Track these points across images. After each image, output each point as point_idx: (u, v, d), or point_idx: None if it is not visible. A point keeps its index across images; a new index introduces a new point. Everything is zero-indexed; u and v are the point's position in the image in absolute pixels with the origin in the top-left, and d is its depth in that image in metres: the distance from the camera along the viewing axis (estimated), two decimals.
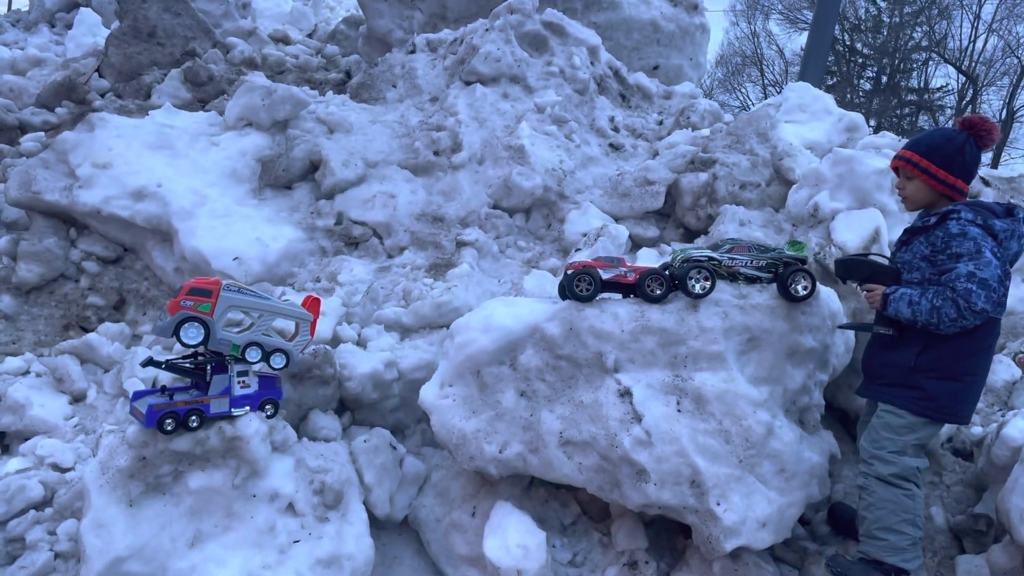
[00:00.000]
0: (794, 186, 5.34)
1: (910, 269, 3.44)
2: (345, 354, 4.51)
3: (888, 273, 3.48)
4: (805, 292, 3.68)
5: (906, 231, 3.62)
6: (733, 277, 3.79)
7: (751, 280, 3.80)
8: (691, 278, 3.65)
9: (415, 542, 4.46)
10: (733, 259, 3.77)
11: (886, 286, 3.43)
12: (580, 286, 3.78)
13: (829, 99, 6.41)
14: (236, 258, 5.23)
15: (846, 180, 4.90)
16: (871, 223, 4.66)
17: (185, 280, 5.37)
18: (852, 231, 4.67)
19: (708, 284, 3.66)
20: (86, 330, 5.30)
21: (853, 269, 3.59)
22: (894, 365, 3.45)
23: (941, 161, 3.40)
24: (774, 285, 3.78)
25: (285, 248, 5.46)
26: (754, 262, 3.77)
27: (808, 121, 6.22)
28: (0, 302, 5.23)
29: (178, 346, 4.77)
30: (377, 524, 4.22)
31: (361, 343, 4.79)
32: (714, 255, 3.76)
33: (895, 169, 3.64)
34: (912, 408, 3.39)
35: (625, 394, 3.72)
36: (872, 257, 3.55)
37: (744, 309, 3.74)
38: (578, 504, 4.39)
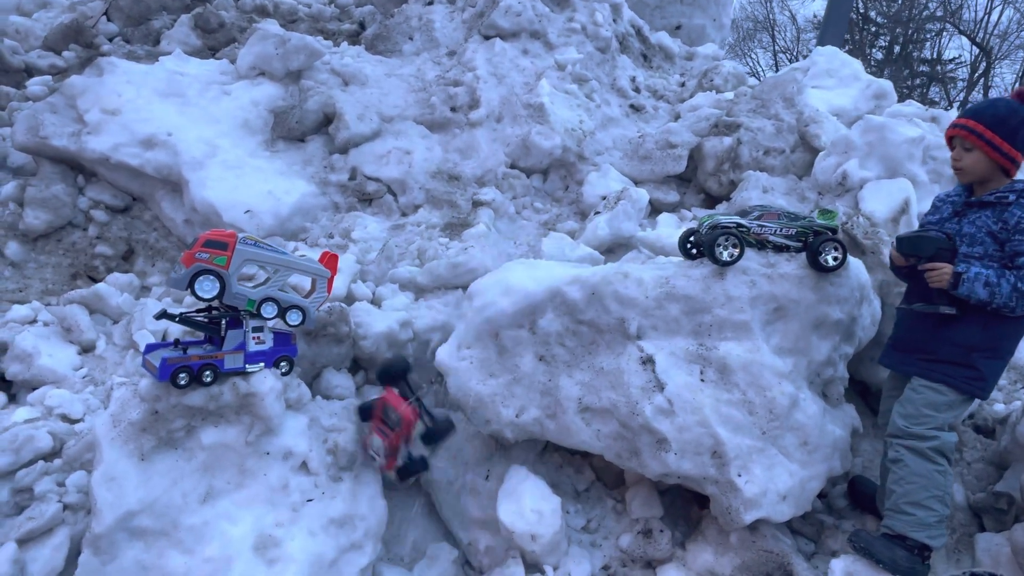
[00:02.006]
0: (821, 153, 5.21)
1: (972, 243, 3.33)
2: (360, 313, 4.42)
3: (950, 249, 3.37)
4: (836, 263, 3.58)
5: (963, 203, 3.50)
6: (761, 245, 3.69)
7: (779, 248, 3.70)
8: (719, 245, 3.55)
9: (427, 504, 4.42)
10: (762, 226, 3.67)
11: (947, 263, 3.32)
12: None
13: (857, 64, 6.24)
14: (248, 211, 5.11)
15: (876, 148, 4.77)
16: (901, 194, 4.54)
17: (195, 232, 5.28)
18: (881, 201, 4.55)
19: (736, 251, 3.56)
20: (94, 280, 5.21)
21: (920, 246, 3.43)
22: (951, 343, 3.36)
23: (1006, 133, 3.28)
24: (803, 254, 3.68)
25: (298, 202, 5.34)
26: (783, 230, 3.67)
27: (835, 87, 6.06)
28: (7, 249, 5.13)
29: (190, 299, 4.69)
30: (389, 485, 4.17)
31: (376, 302, 4.70)
32: (743, 222, 3.66)
33: (949, 139, 3.51)
34: (961, 387, 3.32)
35: (647, 362, 3.65)
36: (933, 234, 3.43)
37: (771, 278, 3.65)
38: (592, 470, 4.35)
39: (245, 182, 5.31)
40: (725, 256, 3.57)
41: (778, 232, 3.66)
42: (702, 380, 3.60)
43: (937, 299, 3.38)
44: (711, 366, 3.60)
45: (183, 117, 5.57)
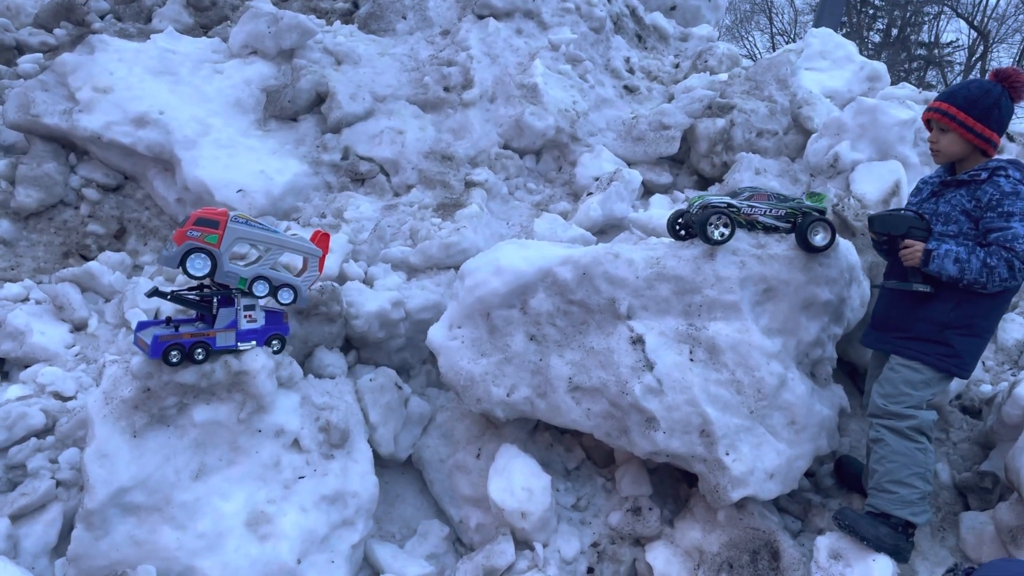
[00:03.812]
0: (814, 135, 5.22)
1: (947, 221, 3.36)
2: (352, 292, 4.44)
3: (924, 228, 3.40)
4: (824, 243, 3.60)
5: (940, 183, 3.53)
6: (751, 226, 3.70)
7: (769, 229, 3.71)
8: (710, 224, 3.56)
9: (418, 481, 4.46)
10: (752, 207, 3.68)
11: (923, 242, 3.35)
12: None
13: (851, 47, 6.23)
14: (240, 190, 5.11)
15: (868, 131, 4.78)
16: (892, 176, 4.55)
17: (187, 211, 5.28)
18: (872, 183, 4.57)
19: (727, 231, 3.58)
20: (86, 258, 5.21)
21: (891, 224, 3.48)
22: (925, 320, 3.39)
23: (978, 114, 3.30)
24: (792, 235, 3.70)
25: (290, 182, 5.34)
26: (773, 211, 3.68)
27: (829, 69, 6.06)
28: None
29: (182, 278, 4.70)
30: (381, 463, 4.20)
31: (368, 281, 4.71)
32: (733, 202, 3.67)
33: (927, 122, 3.53)
34: (937, 365, 3.35)
35: (637, 341, 3.67)
36: (905, 212, 3.46)
37: (762, 259, 3.67)
38: (583, 449, 4.38)
39: (237, 161, 5.30)
40: (716, 235, 3.58)
41: (768, 213, 3.68)
42: (691, 360, 3.62)
43: (911, 277, 3.41)
44: (700, 346, 3.62)
45: (175, 96, 5.54)
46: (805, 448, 3.68)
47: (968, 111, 3.31)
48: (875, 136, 4.74)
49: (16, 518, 3.75)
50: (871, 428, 3.50)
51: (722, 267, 3.62)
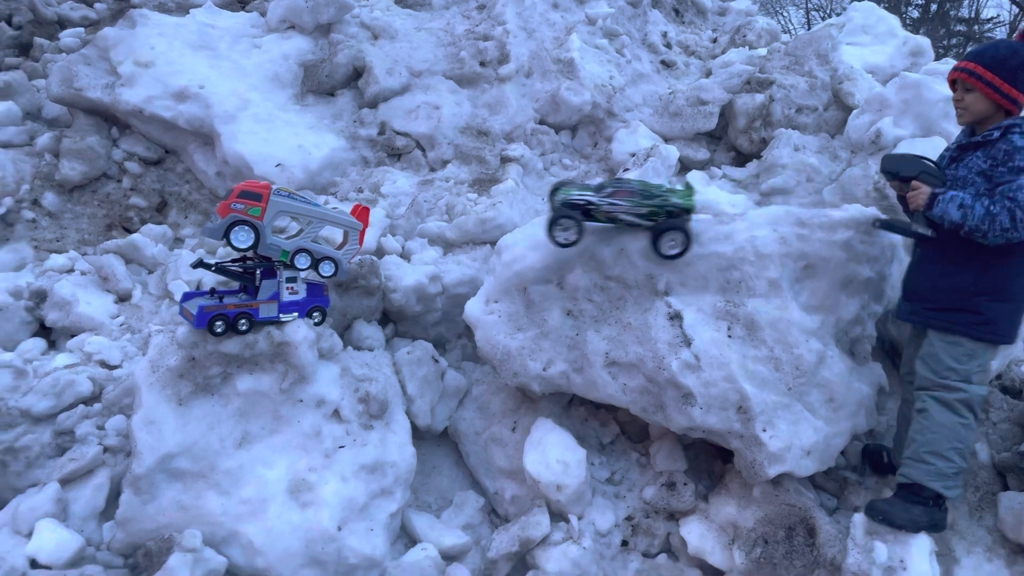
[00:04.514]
0: (855, 111, 5.15)
1: (964, 184, 3.32)
2: (390, 266, 4.48)
3: (937, 177, 3.35)
4: (674, 252, 3.60)
5: (957, 147, 3.50)
6: (613, 221, 3.66)
7: (632, 226, 3.66)
8: (557, 225, 3.60)
9: (454, 453, 4.52)
10: (613, 204, 3.61)
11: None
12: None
13: (894, 21, 6.11)
14: (278, 165, 5.16)
15: (912, 106, 4.71)
16: (935, 152, 4.48)
17: (227, 185, 5.34)
18: None
19: (574, 236, 3.63)
20: (128, 231, 5.30)
21: (902, 165, 3.44)
22: (953, 289, 3.36)
23: (1005, 75, 3.26)
24: (847, 208, 3.67)
25: (328, 157, 5.38)
26: (634, 209, 3.60)
27: (871, 44, 5.95)
28: (44, 199, 5.22)
29: (223, 251, 4.77)
30: (417, 435, 4.26)
31: (405, 255, 4.75)
32: (593, 199, 3.63)
33: (952, 82, 3.49)
34: (971, 333, 3.32)
35: (675, 317, 3.67)
36: (920, 158, 3.42)
37: (802, 236, 3.65)
38: (617, 424, 4.41)
39: (276, 136, 5.35)
40: (561, 239, 3.65)
41: (629, 211, 3.61)
42: (729, 336, 3.62)
43: (914, 220, 3.38)
44: (739, 323, 3.62)
45: (214, 70, 5.59)
46: (843, 426, 3.68)
47: (995, 71, 3.27)
48: (919, 112, 4.67)
49: (65, 482, 3.86)
50: (916, 399, 3.47)
51: (762, 244, 3.61)
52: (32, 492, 3.83)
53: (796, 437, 3.54)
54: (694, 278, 3.69)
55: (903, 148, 4.61)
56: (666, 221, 3.56)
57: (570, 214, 3.57)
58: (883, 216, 3.72)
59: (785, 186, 5.02)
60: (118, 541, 3.63)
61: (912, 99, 4.68)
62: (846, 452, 4.16)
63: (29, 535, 3.65)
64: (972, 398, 3.32)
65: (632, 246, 3.74)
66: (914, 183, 3.36)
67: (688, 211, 3.59)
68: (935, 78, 4.89)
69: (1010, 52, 3.29)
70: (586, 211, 3.61)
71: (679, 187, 3.79)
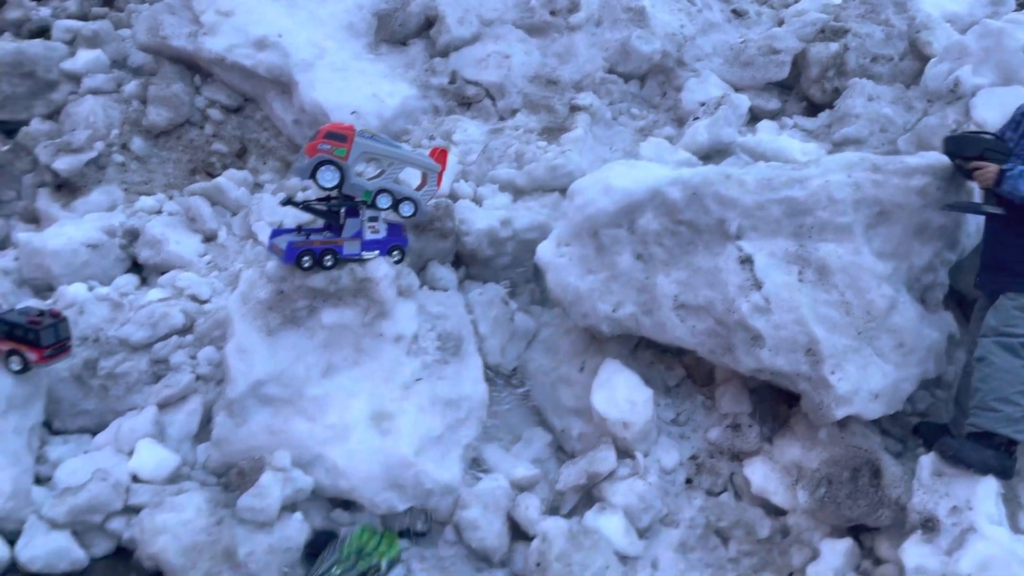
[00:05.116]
0: (933, 60, 5.06)
1: None
2: (463, 210, 4.61)
3: (1002, 151, 3.32)
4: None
5: (1021, 111, 3.45)
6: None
7: None
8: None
9: (522, 393, 4.68)
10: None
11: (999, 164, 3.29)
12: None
13: None
14: (354, 112, 5.30)
15: (992, 54, 4.61)
16: (1016, 101, 4.39)
17: (304, 132, 5.52)
18: (993, 109, 4.42)
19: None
20: (211, 175, 5.52)
21: (966, 145, 3.40)
22: None
23: None
24: (906, 158, 3.67)
25: (401, 105, 5.51)
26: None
27: None
28: (132, 144, 5.47)
29: (302, 196, 4.95)
30: (487, 374, 4.42)
31: (477, 200, 4.87)
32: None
33: None
34: None
35: (746, 261, 3.73)
36: (981, 134, 3.37)
37: (877, 182, 3.66)
38: (683, 368, 4.50)
39: (351, 84, 5.49)
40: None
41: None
42: (800, 280, 3.67)
43: (984, 200, 3.35)
44: (810, 267, 3.67)
45: (291, 19, 5.73)
46: (912, 371, 3.72)
47: None
48: (999, 60, 4.57)
49: (162, 407, 4.13)
50: (977, 348, 3.49)
51: (836, 189, 3.63)
52: (132, 415, 4.11)
53: (864, 381, 3.59)
54: (766, 223, 3.73)
55: (982, 97, 4.53)
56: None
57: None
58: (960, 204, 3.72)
59: (858, 136, 4.99)
60: (213, 460, 3.89)
61: (993, 47, 4.58)
62: (913, 399, 4.19)
63: (130, 454, 3.94)
64: None
65: (705, 190, 3.79)
66: (976, 163, 3.33)
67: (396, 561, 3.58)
68: (1017, 26, 4.77)
69: None
70: None
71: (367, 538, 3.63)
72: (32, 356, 3.74)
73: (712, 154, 5.08)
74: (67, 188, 5.33)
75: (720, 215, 3.79)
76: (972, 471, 3.36)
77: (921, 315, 3.77)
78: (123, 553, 3.76)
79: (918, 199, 3.65)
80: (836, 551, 3.70)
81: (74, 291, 4.45)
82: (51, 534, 3.61)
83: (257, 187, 5.58)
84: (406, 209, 3.92)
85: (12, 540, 3.61)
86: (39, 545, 3.58)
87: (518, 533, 4.02)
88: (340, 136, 3.66)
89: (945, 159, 3.68)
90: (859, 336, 3.60)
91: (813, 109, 5.62)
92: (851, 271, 3.61)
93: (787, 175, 3.75)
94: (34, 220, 5.40)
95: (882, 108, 5.10)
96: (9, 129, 5.82)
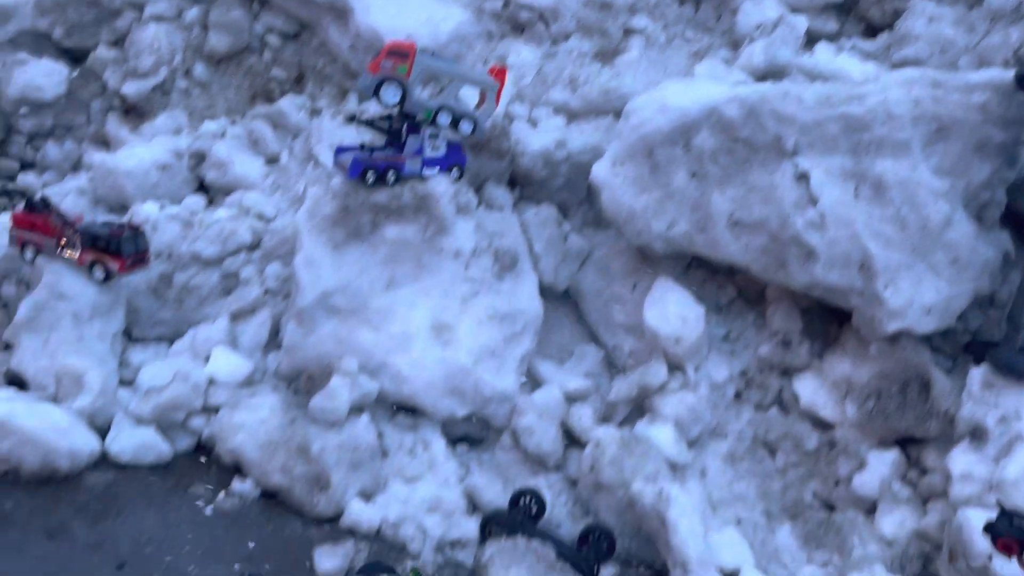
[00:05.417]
0: None
1: None
2: (518, 131, 4.68)
3: None
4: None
5: None
6: None
7: None
8: None
9: (574, 311, 4.80)
10: None
11: None
12: None
13: None
14: (408, 37, 5.34)
15: None
16: None
17: (360, 58, 5.58)
18: None
19: None
20: (270, 101, 5.64)
21: None
22: None
23: None
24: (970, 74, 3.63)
25: (455, 29, 5.51)
26: None
27: None
28: (195, 70, 5.61)
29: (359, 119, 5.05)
30: (541, 293, 4.54)
31: (531, 123, 4.93)
32: None
33: None
34: None
35: (802, 177, 3.77)
36: None
37: (937, 98, 3.64)
38: (734, 286, 4.57)
39: (405, 9, 5.51)
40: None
41: None
42: (856, 196, 3.70)
43: None
44: (866, 183, 3.69)
45: None
46: (965, 287, 3.75)
47: None
48: None
49: (234, 318, 4.36)
50: None
51: (895, 105, 3.63)
52: (206, 325, 4.35)
53: (917, 295, 3.64)
54: (823, 139, 3.75)
55: None
56: None
57: None
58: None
59: (918, 57, 4.89)
60: (283, 367, 4.12)
61: None
62: (966, 317, 4.21)
63: (206, 360, 4.18)
64: None
65: (763, 108, 3.81)
66: None
67: None
68: None
69: None
70: None
71: None
72: (114, 266, 3.96)
73: (768, 76, 5.02)
74: (135, 113, 5.52)
75: (777, 132, 3.82)
76: (1023, 382, 3.41)
77: (977, 232, 3.78)
78: (202, 449, 4.04)
79: (978, 115, 3.64)
80: (883, 461, 3.81)
81: (147, 209, 4.66)
82: (137, 429, 3.90)
83: (315, 112, 5.69)
84: (465, 127, 4.01)
85: (102, 434, 3.90)
86: (127, 439, 3.87)
87: (572, 441, 4.19)
88: (402, 53, 3.74)
89: (1008, 74, 3.65)
90: (913, 252, 3.64)
91: (872, 31, 5.50)
92: (908, 187, 3.63)
93: (846, 92, 3.75)
94: (104, 144, 5.61)
95: (943, 29, 4.98)
96: (76, 56, 6.01)
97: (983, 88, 3.66)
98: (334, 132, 5.05)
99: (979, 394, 3.50)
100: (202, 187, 5.17)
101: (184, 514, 3.73)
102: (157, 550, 3.51)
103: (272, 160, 5.19)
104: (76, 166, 5.55)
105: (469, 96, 4.51)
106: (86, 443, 3.79)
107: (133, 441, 3.86)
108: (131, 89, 5.42)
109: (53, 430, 3.72)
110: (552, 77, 5.31)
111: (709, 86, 4.26)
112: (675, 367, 4.24)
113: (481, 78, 4.02)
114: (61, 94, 5.58)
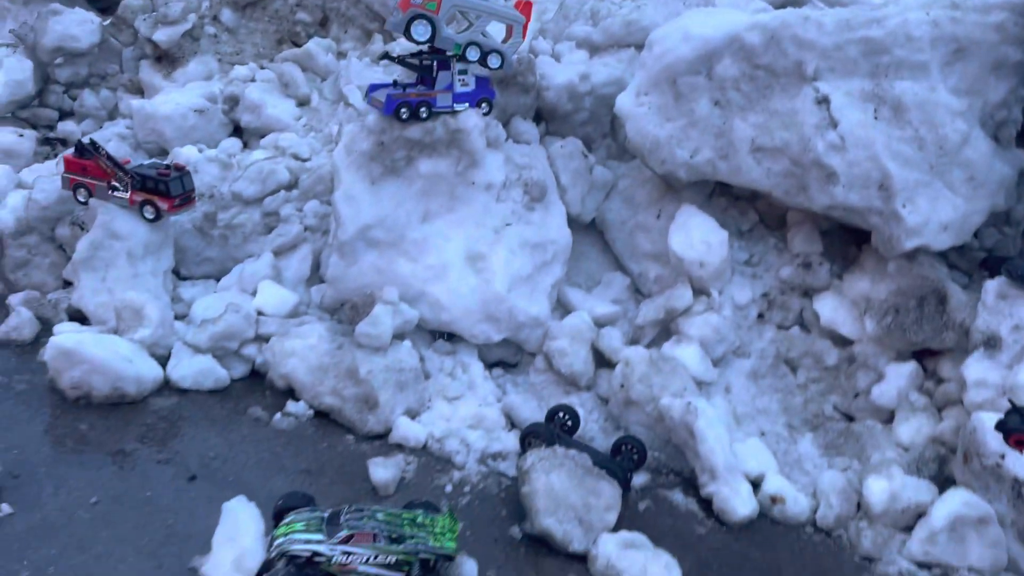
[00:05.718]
0: None
1: None
2: (543, 65, 4.79)
3: None
4: None
5: None
6: None
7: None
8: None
9: (600, 242, 4.97)
10: (349, 554, 2.93)
11: None
12: None
13: None
14: None
15: None
16: None
17: (383, 0, 5.68)
18: None
19: None
20: (296, 44, 5.77)
21: None
22: None
23: None
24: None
25: None
26: (379, 558, 2.96)
27: None
28: (222, 15, 5.73)
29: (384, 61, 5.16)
30: (568, 223, 4.71)
31: (555, 57, 5.04)
32: (321, 549, 2.92)
33: None
34: None
35: (823, 101, 3.88)
36: None
37: (955, 19, 3.72)
38: (756, 213, 4.72)
39: None
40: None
41: (372, 560, 2.95)
42: (876, 118, 3.82)
43: None
44: (885, 104, 3.80)
45: None
46: (981, 204, 3.88)
47: None
48: None
49: (277, 254, 4.58)
50: None
51: (914, 27, 3.72)
52: (251, 261, 4.57)
53: (934, 213, 3.77)
54: (843, 63, 3.86)
55: None
56: (422, 566, 2.98)
57: (299, 569, 2.90)
58: None
59: None
60: (327, 298, 4.34)
61: None
62: (981, 235, 4.35)
63: (254, 294, 4.41)
64: None
65: (783, 33, 3.91)
66: None
67: (450, 557, 3.07)
68: None
69: None
70: (312, 562, 2.91)
71: (438, 516, 3.18)
72: (163, 205, 4.17)
73: (787, 3, 5.10)
74: (166, 59, 5.67)
75: (798, 57, 3.92)
76: None
77: (994, 150, 3.90)
78: (256, 376, 4.29)
79: (996, 35, 3.72)
80: (900, 373, 4.00)
81: (187, 152, 4.86)
82: (196, 357, 4.15)
83: (341, 55, 5.81)
84: (494, 61, 4.13)
85: (162, 363, 4.16)
86: (187, 366, 4.13)
87: (602, 362, 4.40)
88: None
89: None
90: (931, 170, 3.77)
91: None
92: (926, 107, 3.74)
93: (865, 15, 3.83)
94: (138, 91, 5.78)
95: None
96: (104, 7, 6.13)
97: (1000, 8, 3.74)
98: (363, 72, 5.19)
99: (994, 304, 3.66)
100: (236, 131, 5.35)
101: (245, 433, 4.03)
102: (223, 464, 3.81)
103: (303, 102, 5.35)
104: (112, 114, 5.74)
105: (496, 31, 4.63)
106: (150, 370, 4.06)
107: (192, 368, 4.12)
108: (162, 36, 5.57)
109: (119, 358, 3.99)
110: (574, 11, 5.40)
111: (730, 14, 4.35)
112: (700, 291, 4.42)
113: (508, 12, 4.12)
114: (95, 43, 5.73)
